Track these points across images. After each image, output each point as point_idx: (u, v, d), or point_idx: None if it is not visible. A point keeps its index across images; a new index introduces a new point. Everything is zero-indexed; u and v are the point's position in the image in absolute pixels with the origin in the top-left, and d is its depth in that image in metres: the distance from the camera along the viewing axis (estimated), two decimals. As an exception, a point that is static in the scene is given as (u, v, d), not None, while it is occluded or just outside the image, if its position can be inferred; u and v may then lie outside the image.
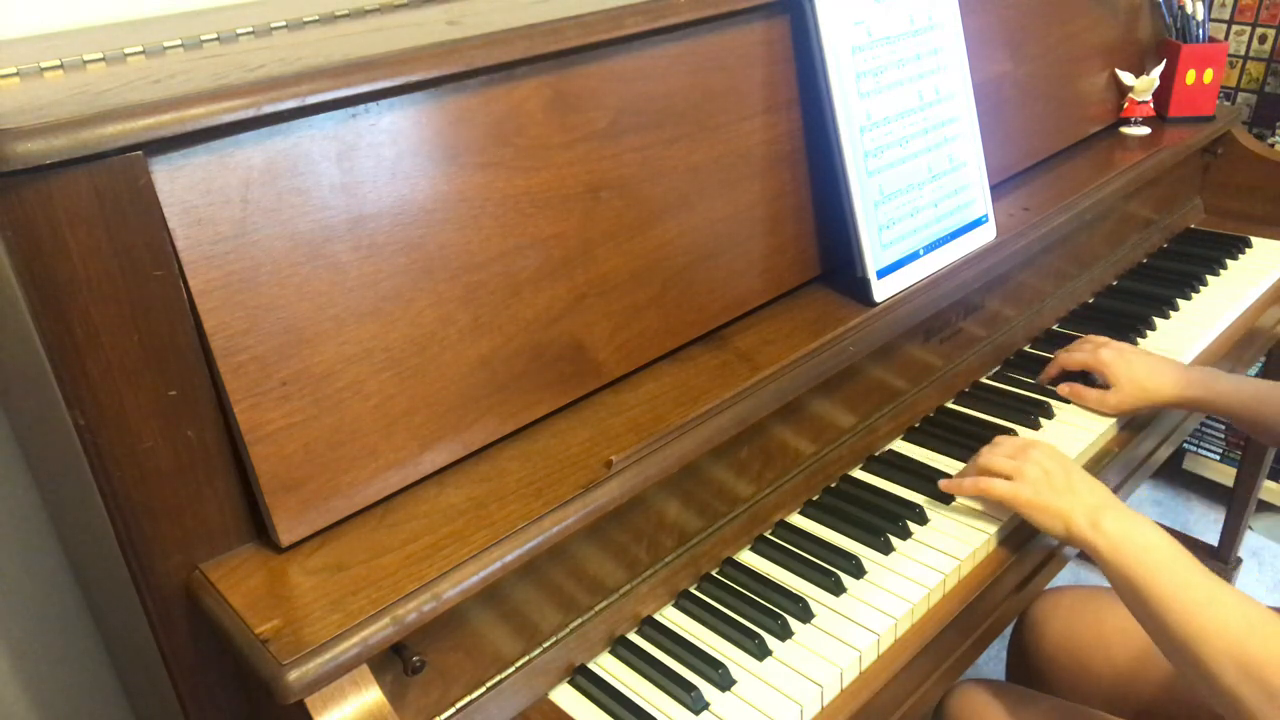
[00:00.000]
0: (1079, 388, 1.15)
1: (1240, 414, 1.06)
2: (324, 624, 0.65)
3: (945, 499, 1.00)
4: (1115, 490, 1.14)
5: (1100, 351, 1.14)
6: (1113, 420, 1.13)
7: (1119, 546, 0.84)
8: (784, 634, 0.86)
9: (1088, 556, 0.87)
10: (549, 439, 0.83)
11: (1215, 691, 0.75)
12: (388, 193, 0.72)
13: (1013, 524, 0.98)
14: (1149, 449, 1.19)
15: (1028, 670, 1.18)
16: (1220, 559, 1.90)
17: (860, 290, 1.02)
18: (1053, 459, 0.94)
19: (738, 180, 0.96)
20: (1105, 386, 1.14)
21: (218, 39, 0.89)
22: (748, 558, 0.97)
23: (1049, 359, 1.25)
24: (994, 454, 0.97)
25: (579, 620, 0.84)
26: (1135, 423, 1.16)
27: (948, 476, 1.01)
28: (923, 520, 0.98)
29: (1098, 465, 1.10)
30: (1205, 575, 0.79)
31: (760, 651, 0.84)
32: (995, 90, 1.25)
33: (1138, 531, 0.84)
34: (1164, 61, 1.54)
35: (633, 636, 0.88)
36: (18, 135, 0.56)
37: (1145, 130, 1.51)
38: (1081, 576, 2.01)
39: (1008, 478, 0.94)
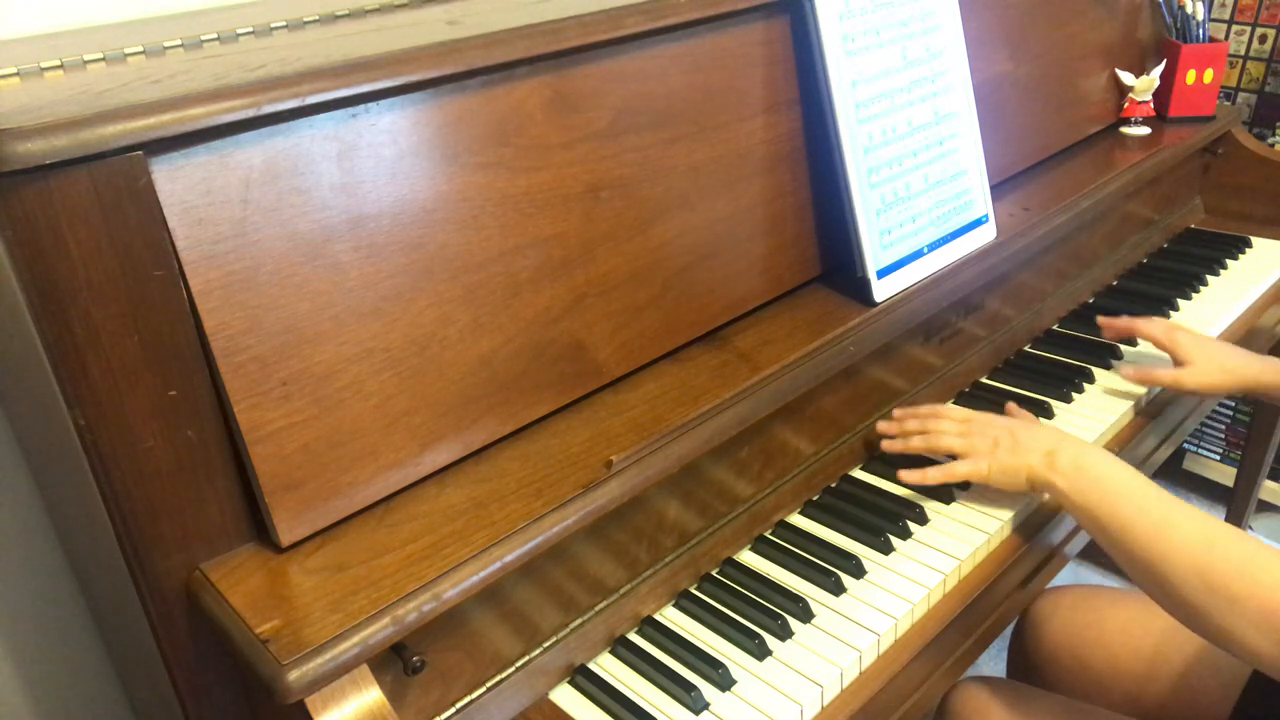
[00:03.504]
0: (1150, 369, 1.12)
1: None
2: (324, 624, 0.65)
3: (945, 498, 1.00)
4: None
5: (1176, 334, 1.12)
6: (1112, 420, 1.13)
7: (1074, 479, 0.87)
8: (784, 634, 0.86)
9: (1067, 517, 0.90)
10: (549, 439, 0.83)
11: (1180, 606, 0.78)
12: (388, 193, 0.72)
13: (1013, 523, 0.98)
14: (1149, 449, 1.19)
15: (1028, 669, 1.18)
16: (1220, 559, 1.90)
17: (860, 290, 1.02)
18: (993, 424, 0.97)
19: (738, 180, 0.96)
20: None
21: (218, 39, 0.89)
22: (748, 558, 0.97)
23: (1049, 359, 1.26)
24: (939, 434, 0.99)
25: (579, 620, 0.84)
26: (1136, 419, 1.16)
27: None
28: (923, 520, 0.98)
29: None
30: (1161, 496, 0.82)
31: (760, 651, 0.84)
32: (995, 90, 1.25)
33: (1090, 461, 0.87)
34: (1164, 61, 1.54)
35: (633, 636, 0.88)
36: (18, 135, 0.56)
37: (1145, 130, 1.51)
38: (1082, 576, 2.01)
39: (960, 454, 0.97)
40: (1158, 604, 0.82)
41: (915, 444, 1.01)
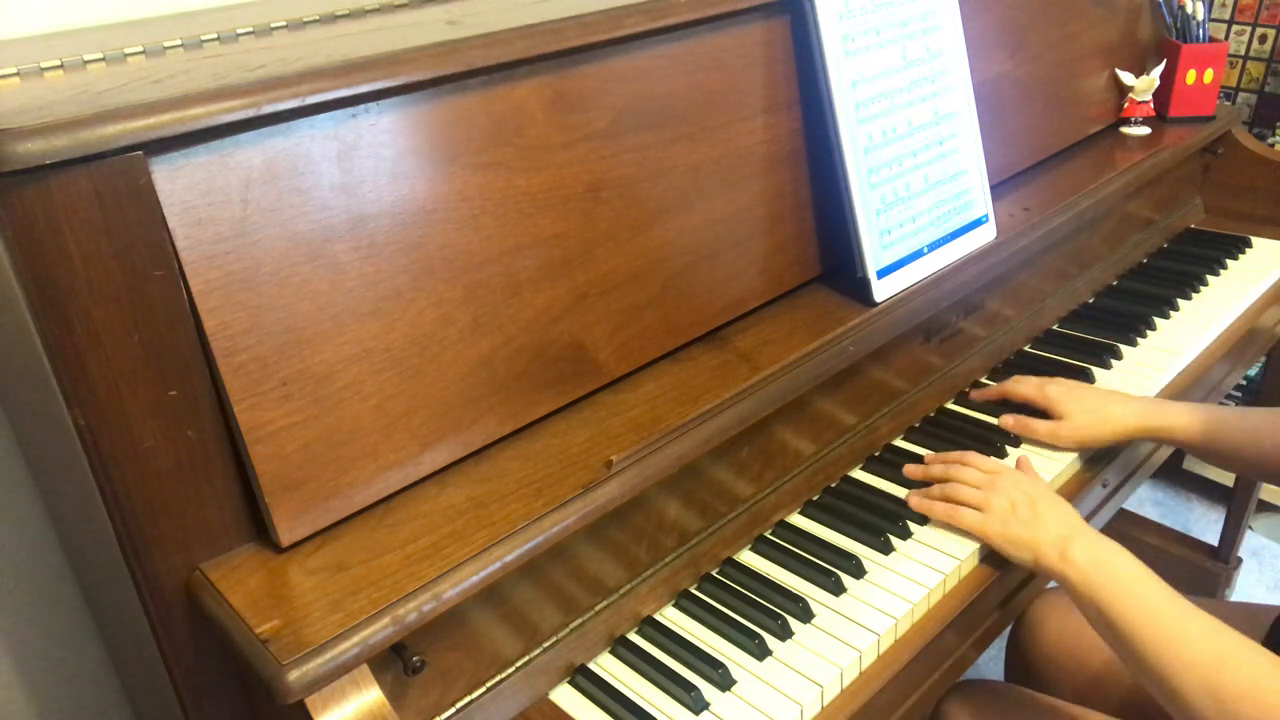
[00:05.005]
0: (1027, 420, 1.09)
1: (1197, 444, 1.03)
2: (324, 624, 0.65)
3: (945, 499, 1.00)
4: (1115, 490, 1.14)
5: (1046, 388, 1.09)
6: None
7: (1087, 575, 0.84)
8: (784, 634, 0.86)
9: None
10: (549, 439, 0.83)
11: (1187, 718, 0.75)
12: (388, 193, 0.72)
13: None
14: (1149, 449, 1.19)
15: (1026, 670, 1.18)
16: (1220, 559, 1.90)
17: (860, 290, 1.02)
18: (1019, 488, 0.94)
19: (738, 180, 0.96)
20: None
21: (218, 39, 0.89)
22: (748, 558, 0.97)
23: (1049, 359, 1.26)
24: (961, 483, 0.97)
25: (579, 620, 0.84)
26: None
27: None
28: (923, 520, 0.98)
29: (1098, 464, 1.10)
30: (1175, 603, 0.79)
31: (760, 651, 0.84)
32: (995, 90, 1.25)
33: (1105, 559, 0.84)
34: (1164, 61, 1.54)
35: (633, 636, 0.88)
36: (18, 135, 0.56)
37: (1145, 130, 1.51)
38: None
39: (976, 507, 0.94)
40: (1165, 709, 0.79)
41: (934, 492, 0.99)
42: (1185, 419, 1.03)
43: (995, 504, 0.93)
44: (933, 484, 1.01)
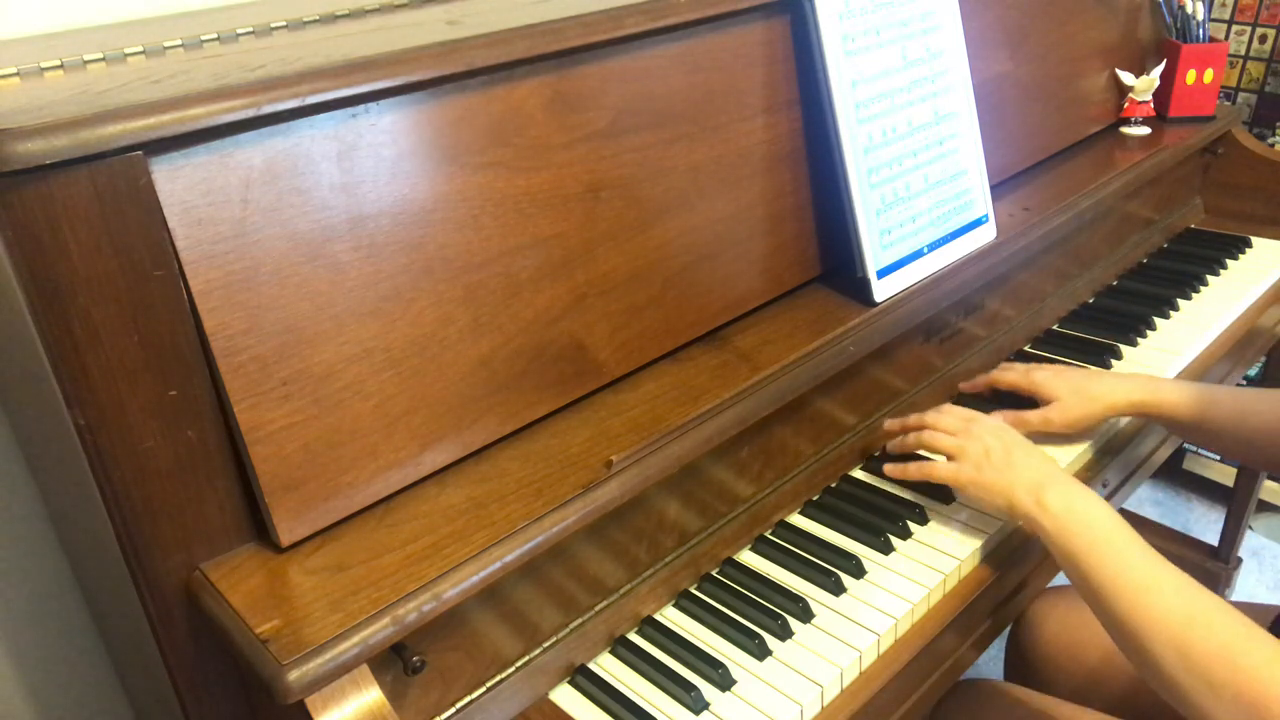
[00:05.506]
0: (1018, 413, 1.06)
1: (1187, 420, 1.01)
2: (324, 624, 0.65)
3: (945, 498, 1.00)
4: (1115, 490, 1.14)
5: (1032, 373, 1.08)
6: (1110, 420, 1.12)
7: (1061, 522, 0.83)
8: (784, 634, 0.86)
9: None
10: (549, 439, 0.83)
11: (1157, 677, 0.74)
12: (388, 193, 0.72)
13: (1012, 525, 0.98)
14: (1149, 449, 1.19)
15: (1026, 670, 1.18)
16: (1220, 559, 1.90)
17: (860, 290, 1.02)
18: (994, 434, 0.93)
19: (738, 180, 0.96)
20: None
21: (218, 39, 0.89)
22: (748, 558, 0.97)
23: (1049, 359, 1.26)
24: (936, 430, 0.97)
25: (579, 620, 0.84)
26: (1136, 419, 1.16)
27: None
28: (923, 520, 0.98)
29: (1098, 464, 1.10)
30: (1148, 556, 0.78)
31: (760, 651, 0.84)
32: (995, 90, 1.25)
33: (1081, 506, 0.83)
34: (1164, 61, 1.54)
35: (633, 636, 0.88)
36: (18, 135, 0.56)
37: (1145, 130, 1.51)
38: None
39: (950, 454, 0.94)
40: (1134, 667, 0.77)
41: (910, 441, 1.00)
42: (1177, 396, 1.02)
43: (970, 450, 0.92)
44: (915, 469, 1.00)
